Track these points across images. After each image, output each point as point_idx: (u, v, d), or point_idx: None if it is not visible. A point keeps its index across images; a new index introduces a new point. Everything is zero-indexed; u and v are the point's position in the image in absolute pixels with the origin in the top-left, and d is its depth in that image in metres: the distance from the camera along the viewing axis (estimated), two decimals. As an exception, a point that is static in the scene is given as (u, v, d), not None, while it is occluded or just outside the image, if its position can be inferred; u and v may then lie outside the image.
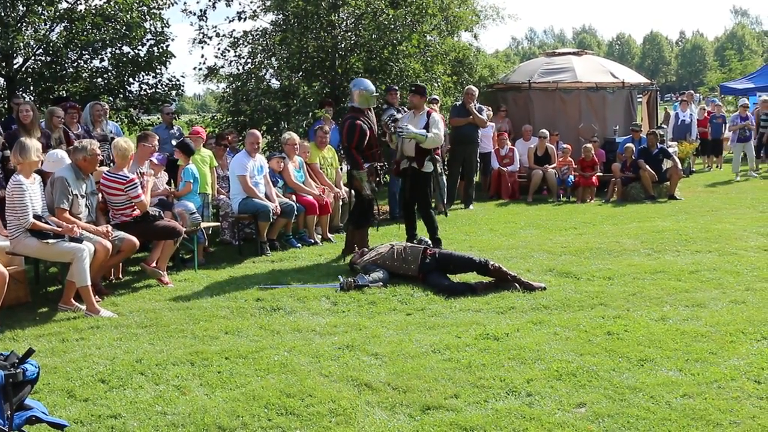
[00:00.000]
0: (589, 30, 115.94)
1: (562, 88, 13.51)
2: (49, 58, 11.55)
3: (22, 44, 10.99)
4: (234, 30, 12.31)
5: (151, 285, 6.80)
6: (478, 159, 12.08)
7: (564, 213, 10.78)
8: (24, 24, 11.34)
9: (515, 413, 3.71)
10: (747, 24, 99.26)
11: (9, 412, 3.04)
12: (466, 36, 16.38)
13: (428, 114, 7.76)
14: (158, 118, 11.94)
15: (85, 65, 12.00)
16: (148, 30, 12.01)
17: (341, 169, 10.10)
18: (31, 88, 11.64)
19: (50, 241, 5.85)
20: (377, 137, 7.96)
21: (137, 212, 6.70)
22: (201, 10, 12.06)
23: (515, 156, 12.84)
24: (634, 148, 12.27)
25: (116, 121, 11.06)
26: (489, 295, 6.05)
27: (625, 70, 15.08)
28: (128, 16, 11.46)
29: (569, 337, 4.85)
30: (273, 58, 12.37)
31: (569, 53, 15.14)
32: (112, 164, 7.38)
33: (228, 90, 12.34)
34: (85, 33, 11.35)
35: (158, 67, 12.12)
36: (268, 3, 12.09)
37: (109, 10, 11.57)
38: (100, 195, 6.76)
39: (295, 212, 8.49)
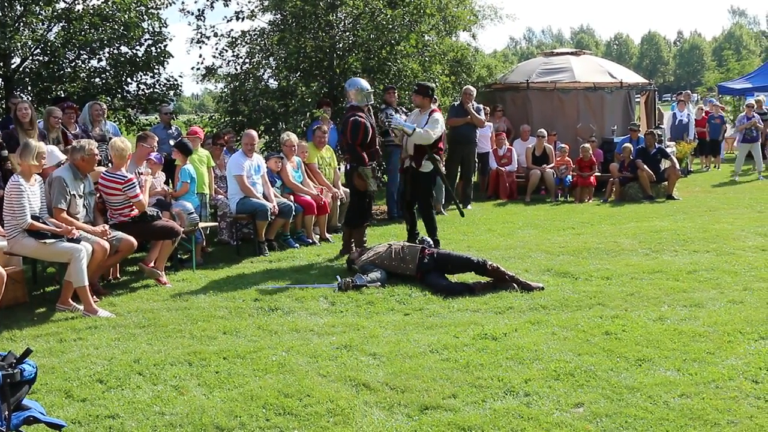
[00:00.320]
0: (587, 30, 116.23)
1: (560, 88, 13.51)
2: (46, 58, 11.52)
3: (19, 44, 10.97)
4: (232, 30, 12.34)
5: (149, 285, 6.80)
6: (476, 159, 12.09)
7: (562, 213, 10.78)
8: (21, 24, 11.32)
9: (513, 413, 3.71)
10: (745, 24, 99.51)
11: (6, 413, 3.03)
12: (464, 36, 16.40)
13: (431, 113, 7.77)
14: (156, 118, 11.92)
15: (83, 65, 11.97)
16: (145, 30, 11.98)
17: (339, 168, 10.09)
18: (29, 88, 11.59)
19: (48, 241, 5.85)
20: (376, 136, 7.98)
21: (135, 212, 6.70)
22: (199, 10, 12.05)
23: (513, 156, 12.83)
24: (632, 148, 12.27)
25: (114, 121, 11.02)
26: (487, 295, 6.06)
27: (623, 70, 15.07)
28: (126, 16, 11.43)
29: (567, 337, 4.86)
30: (271, 58, 12.35)
31: (567, 53, 15.13)
32: (110, 164, 7.37)
33: (226, 90, 12.31)
34: (82, 33, 11.33)
35: (156, 67, 12.10)
36: (266, 3, 12.07)
37: (107, 9, 11.54)
38: (98, 195, 6.76)
39: (293, 212, 8.48)
